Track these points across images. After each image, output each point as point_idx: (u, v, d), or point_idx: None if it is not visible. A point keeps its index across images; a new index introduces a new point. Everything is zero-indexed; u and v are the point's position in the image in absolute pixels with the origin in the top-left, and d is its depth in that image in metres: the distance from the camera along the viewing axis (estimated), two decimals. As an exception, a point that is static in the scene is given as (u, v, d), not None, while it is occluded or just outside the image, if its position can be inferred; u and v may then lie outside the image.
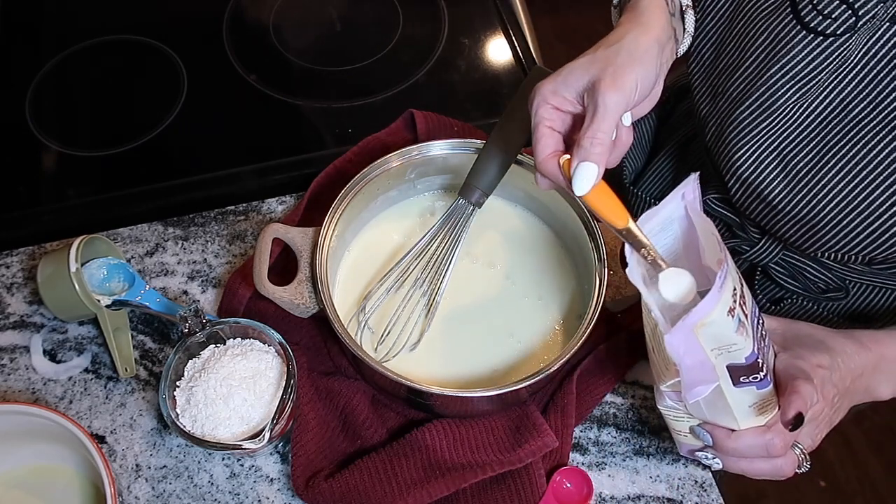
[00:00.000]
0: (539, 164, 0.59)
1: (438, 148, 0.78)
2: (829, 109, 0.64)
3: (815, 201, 0.65)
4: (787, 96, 0.65)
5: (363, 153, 0.86)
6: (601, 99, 0.55)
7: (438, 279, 0.73)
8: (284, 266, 0.80)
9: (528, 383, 0.67)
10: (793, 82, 0.65)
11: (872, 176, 0.63)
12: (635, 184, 0.91)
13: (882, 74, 0.61)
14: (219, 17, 1.07)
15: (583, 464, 0.76)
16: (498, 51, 1.05)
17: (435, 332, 0.74)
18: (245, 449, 0.66)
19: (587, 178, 0.55)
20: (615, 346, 0.78)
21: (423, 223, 0.82)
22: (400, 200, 0.83)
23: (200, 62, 1.02)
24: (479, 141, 0.76)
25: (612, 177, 0.92)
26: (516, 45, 1.04)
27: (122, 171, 0.93)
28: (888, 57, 0.60)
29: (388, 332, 0.73)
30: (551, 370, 0.67)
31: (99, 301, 0.76)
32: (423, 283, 0.75)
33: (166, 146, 0.95)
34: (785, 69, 0.65)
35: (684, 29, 0.67)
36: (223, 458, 0.75)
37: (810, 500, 1.65)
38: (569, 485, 0.73)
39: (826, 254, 0.69)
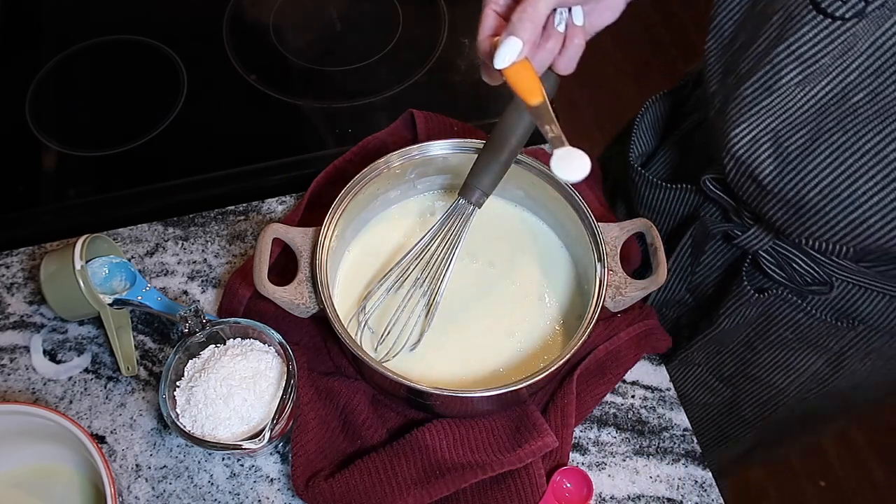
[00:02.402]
0: (477, 43, 0.60)
1: (438, 148, 0.78)
2: (828, 95, 0.64)
3: (801, 185, 0.66)
4: (789, 77, 0.65)
5: (363, 153, 0.86)
6: None
7: (438, 279, 0.73)
8: (284, 266, 0.80)
9: (528, 383, 0.67)
10: (797, 63, 0.65)
11: (858, 164, 0.63)
12: (644, 166, 0.92)
13: (886, 65, 0.62)
14: (219, 17, 1.07)
15: (583, 464, 0.76)
16: (498, 51, 1.05)
17: (435, 332, 0.74)
18: (245, 449, 0.66)
19: (508, 52, 0.56)
20: (615, 346, 0.78)
21: (423, 223, 0.82)
22: (400, 200, 0.83)
23: (200, 62, 1.02)
24: (479, 141, 0.76)
25: (620, 157, 0.92)
26: (516, 45, 1.04)
27: (122, 171, 0.93)
28: (894, 48, 0.61)
29: (388, 332, 0.73)
30: (551, 370, 0.67)
31: (102, 299, 0.76)
32: (423, 283, 0.75)
33: (166, 146, 0.95)
34: (791, 49, 0.65)
35: None
36: (223, 458, 0.75)
37: (810, 500, 1.65)
38: (569, 485, 0.73)
39: (811, 241, 0.69)
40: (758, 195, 0.70)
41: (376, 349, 0.74)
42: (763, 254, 0.78)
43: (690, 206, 0.85)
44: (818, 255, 0.74)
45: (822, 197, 0.65)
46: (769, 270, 0.78)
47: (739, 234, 0.78)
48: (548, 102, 0.56)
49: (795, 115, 0.66)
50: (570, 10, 0.60)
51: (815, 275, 0.76)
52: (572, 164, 0.56)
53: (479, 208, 0.73)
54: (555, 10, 0.58)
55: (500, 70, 0.57)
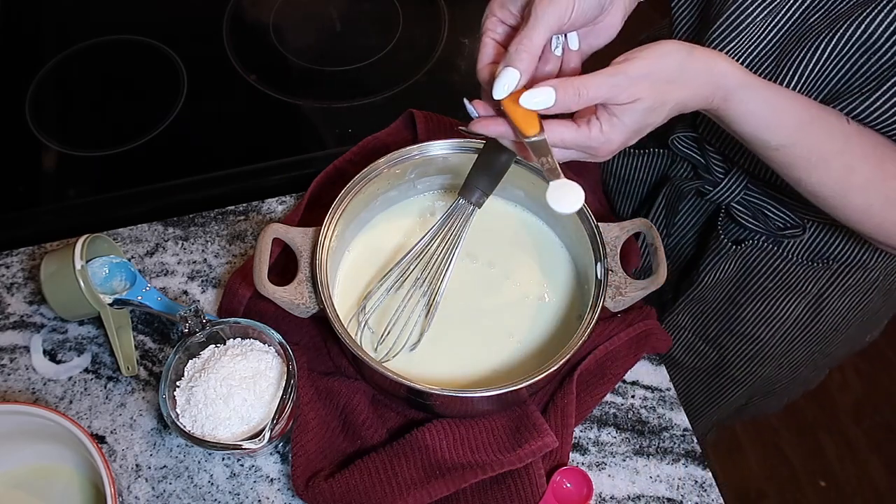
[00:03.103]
0: (478, 72, 0.61)
1: (438, 148, 0.78)
2: (790, 21, 0.67)
3: None
4: (754, 13, 0.68)
5: (363, 153, 0.86)
6: (534, 9, 0.57)
7: (438, 279, 0.73)
8: (284, 266, 0.80)
9: (528, 383, 0.67)
10: (759, 0, 0.68)
11: (820, 72, 0.65)
12: None
13: None
14: (219, 17, 1.07)
15: (583, 464, 0.76)
16: (498, 51, 1.05)
17: (435, 331, 0.74)
18: (245, 449, 0.66)
19: (506, 83, 0.56)
20: (615, 346, 0.78)
21: (423, 223, 0.82)
22: (400, 200, 0.83)
23: (200, 62, 1.02)
24: (479, 141, 0.77)
25: None
26: (516, 45, 1.04)
27: (122, 171, 0.93)
28: None
29: (388, 332, 0.73)
30: (551, 370, 0.67)
31: (102, 299, 0.76)
32: (423, 283, 0.75)
33: (166, 146, 0.95)
34: None
35: None
36: (223, 458, 0.75)
37: (810, 500, 1.66)
38: (569, 485, 0.73)
39: (781, 180, 0.71)
40: (731, 138, 0.71)
41: (376, 349, 0.74)
42: (736, 205, 0.81)
43: (659, 170, 0.88)
44: (788, 199, 0.78)
45: None
46: (743, 221, 0.80)
47: (711, 189, 0.81)
48: (545, 134, 0.56)
49: (762, 47, 0.69)
50: (566, 35, 0.61)
51: (788, 219, 0.79)
52: (568, 197, 0.56)
53: (479, 208, 0.73)
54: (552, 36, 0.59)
55: (499, 101, 0.57)
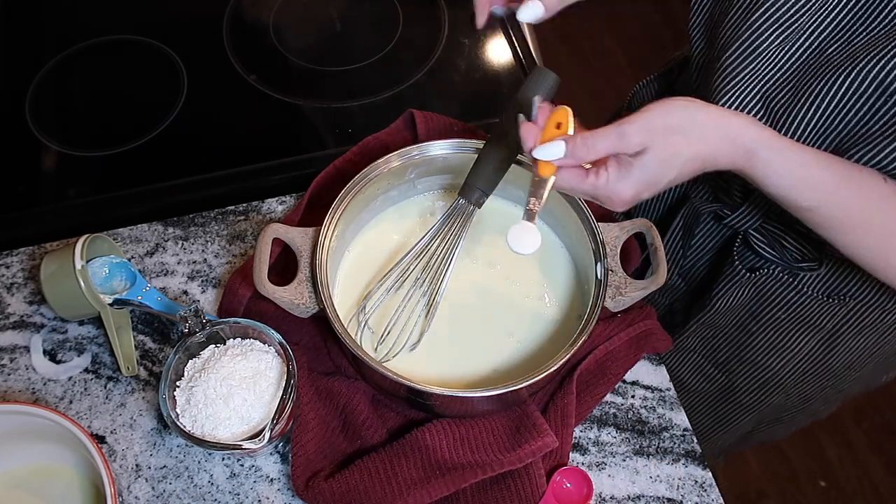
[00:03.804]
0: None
1: (438, 148, 0.78)
2: (808, 52, 0.67)
3: (787, 136, 0.67)
4: (770, 39, 0.68)
5: (363, 153, 0.86)
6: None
7: (438, 279, 0.73)
8: (284, 266, 0.80)
9: (528, 383, 0.67)
10: (776, 25, 0.67)
11: (838, 110, 0.65)
12: None
13: (857, 17, 0.64)
14: (219, 17, 1.07)
15: (583, 464, 0.76)
16: (498, 51, 1.05)
17: (435, 332, 0.74)
18: (245, 449, 0.66)
19: (532, 11, 0.68)
20: (615, 346, 0.78)
21: (423, 223, 0.82)
22: (400, 200, 0.83)
23: (200, 62, 1.02)
24: (479, 141, 0.77)
25: None
26: (516, 45, 1.04)
27: (122, 171, 0.93)
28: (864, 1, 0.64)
29: (388, 332, 0.73)
30: (551, 370, 0.67)
31: (102, 299, 0.76)
32: (424, 283, 0.75)
33: (166, 146, 0.95)
34: (769, 13, 0.67)
35: None
36: (223, 458, 0.75)
37: (810, 500, 1.65)
38: (569, 485, 0.73)
39: None
40: None
41: (376, 349, 0.74)
42: (753, 233, 0.79)
43: (680, 189, 0.87)
44: (807, 232, 0.75)
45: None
46: (760, 249, 0.79)
47: (729, 213, 0.79)
48: (552, 181, 0.60)
49: (780, 73, 0.68)
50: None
51: (806, 252, 0.77)
52: (526, 238, 0.63)
53: (479, 208, 0.73)
54: None
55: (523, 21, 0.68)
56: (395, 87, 1.00)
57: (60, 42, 1.04)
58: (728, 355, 0.91)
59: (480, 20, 0.74)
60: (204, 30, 1.06)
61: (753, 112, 0.69)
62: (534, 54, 1.04)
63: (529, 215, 0.62)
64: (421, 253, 0.74)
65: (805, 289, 0.79)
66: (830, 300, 0.79)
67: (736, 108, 0.70)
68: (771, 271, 0.79)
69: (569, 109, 0.61)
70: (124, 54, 1.04)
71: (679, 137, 0.57)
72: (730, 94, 0.70)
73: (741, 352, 0.90)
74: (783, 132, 0.67)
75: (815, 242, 0.76)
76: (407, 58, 1.04)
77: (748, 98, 0.69)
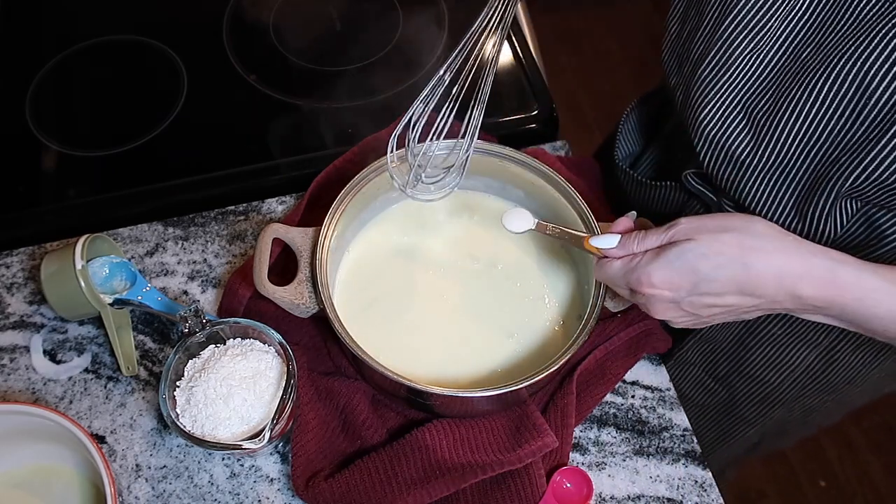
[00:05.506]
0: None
1: (438, 148, 0.78)
2: (783, 57, 0.66)
3: (774, 147, 0.67)
4: (742, 47, 0.67)
5: (363, 153, 0.86)
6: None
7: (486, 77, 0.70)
8: (284, 266, 0.80)
9: (528, 383, 0.67)
10: (746, 32, 0.67)
11: (821, 116, 0.64)
12: (634, 165, 0.92)
13: (828, 17, 0.63)
14: (219, 17, 1.07)
15: (583, 464, 0.76)
16: (498, 51, 1.05)
17: (435, 332, 0.74)
18: (245, 449, 0.66)
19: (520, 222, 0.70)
20: (615, 346, 0.78)
21: (423, 223, 0.82)
22: (400, 200, 0.83)
23: (200, 62, 1.02)
24: (479, 141, 0.76)
25: (607, 159, 0.93)
26: (516, 44, 1.04)
27: (122, 171, 0.93)
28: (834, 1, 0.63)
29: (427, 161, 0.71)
30: (551, 370, 0.67)
31: (102, 299, 0.76)
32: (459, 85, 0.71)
33: (166, 146, 0.95)
34: (737, 20, 0.67)
35: None
36: (223, 458, 0.75)
37: (810, 500, 1.65)
38: (569, 485, 0.73)
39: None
40: (735, 174, 0.71)
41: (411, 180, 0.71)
42: None
43: (676, 203, 0.86)
44: None
45: (792, 156, 0.67)
46: None
47: None
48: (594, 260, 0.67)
49: (758, 81, 0.68)
50: None
51: None
52: (520, 220, 0.69)
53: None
54: None
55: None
56: (395, 87, 1.00)
57: (60, 42, 1.04)
58: (728, 369, 0.91)
59: None
60: (204, 30, 1.06)
61: (736, 122, 0.69)
62: (533, 54, 1.04)
63: (539, 227, 0.68)
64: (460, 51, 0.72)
65: None
66: None
67: (717, 121, 0.69)
68: None
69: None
70: (124, 54, 1.04)
71: (728, 237, 0.58)
72: (710, 106, 0.69)
73: (740, 366, 0.89)
74: (770, 146, 0.66)
75: None
76: (407, 58, 1.04)
77: (729, 109, 0.69)
